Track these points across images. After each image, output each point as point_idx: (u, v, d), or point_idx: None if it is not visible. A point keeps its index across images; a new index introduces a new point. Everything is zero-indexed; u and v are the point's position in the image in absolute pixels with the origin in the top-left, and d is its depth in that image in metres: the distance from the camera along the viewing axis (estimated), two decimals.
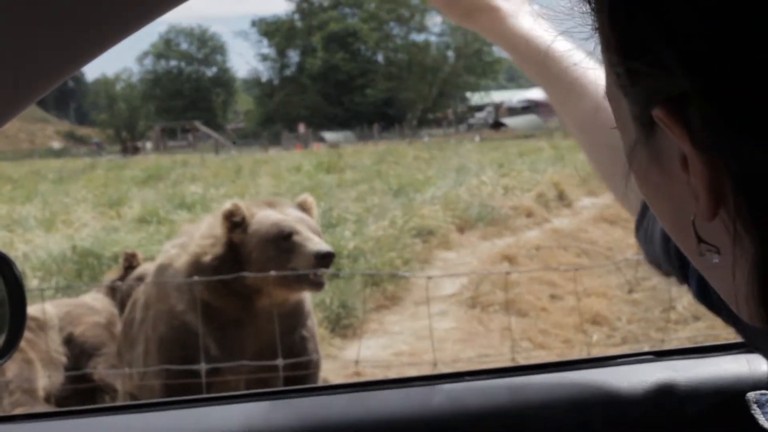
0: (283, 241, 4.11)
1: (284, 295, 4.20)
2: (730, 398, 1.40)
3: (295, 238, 4.11)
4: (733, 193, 0.53)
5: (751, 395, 0.63)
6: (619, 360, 1.56)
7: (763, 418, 0.60)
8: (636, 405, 1.42)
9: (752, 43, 0.49)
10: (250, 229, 4.18)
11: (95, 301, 5.72)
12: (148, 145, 57.18)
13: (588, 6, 0.61)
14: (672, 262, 1.00)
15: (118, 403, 4.30)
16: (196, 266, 4.18)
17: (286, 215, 4.27)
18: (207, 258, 4.18)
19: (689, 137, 0.53)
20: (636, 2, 0.54)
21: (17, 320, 1.32)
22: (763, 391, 0.63)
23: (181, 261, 4.30)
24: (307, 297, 4.52)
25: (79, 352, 5.34)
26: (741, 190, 0.52)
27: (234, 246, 4.17)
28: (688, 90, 0.52)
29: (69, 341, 5.35)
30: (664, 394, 1.44)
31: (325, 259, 4.03)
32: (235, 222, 4.17)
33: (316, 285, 4.14)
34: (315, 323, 4.64)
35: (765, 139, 0.50)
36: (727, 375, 1.46)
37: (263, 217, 4.23)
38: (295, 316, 4.30)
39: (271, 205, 4.43)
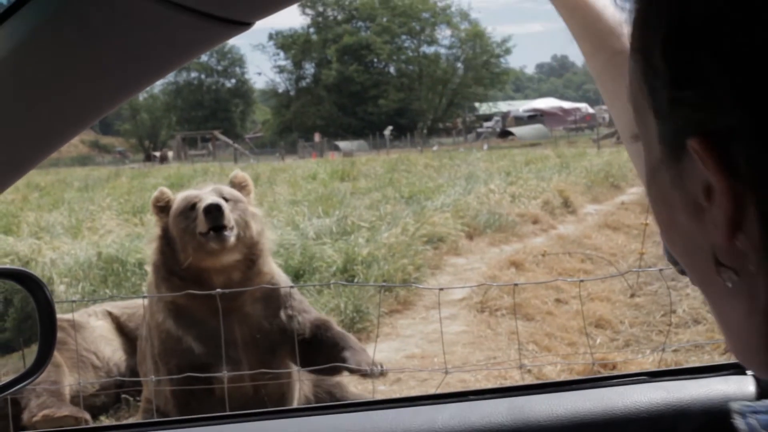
0: (190, 212, 4.04)
1: (210, 261, 4.02)
2: (719, 419, 1.46)
3: (198, 205, 4.01)
4: (760, 229, 0.54)
5: (734, 405, 0.65)
6: (614, 381, 1.61)
7: (743, 425, 0.62)
8: (632, 425, 1.46)
9: None
10: (171, 211, 4.15)
11: None
12: (170, 153, 57.40)
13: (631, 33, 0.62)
14: None
15: (140, 420, 4.25)
16: (154, 268, 4.18)
17: (200, 190, 4.20)
18: (154, 253, 4.15)
19: (721, 170, 0.54)
20: (694, 36, 0.54)
21: (47, 340, 1.36)
22: (747, 403, 0.65)
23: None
24: (280, 278, 4.33)
25: None
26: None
27: (166, 232, 4.15)
28: (735, 125, 0.52)
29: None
30: (658, 415, 1.47)
31: (210, 213, 3.89)
32: (160, 207, 4.17)
33: (218, 240, 3.94)
34: (302, 299, 4.43)
35: None
36: (716, 396, 1.50)
37: (180, 196, 4.18)
38: (273, 300, 4.15)
39: (197, 187, 4.38)
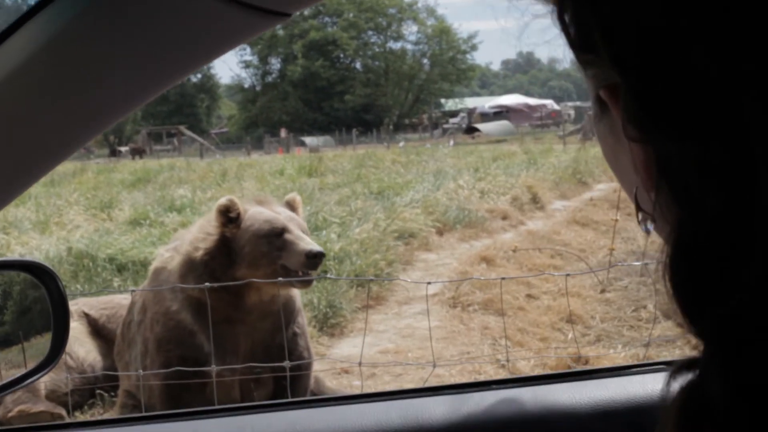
0: (275, 238, 4.13)
1: (273, 291, 4.16)
2: None
3: (287, 236, 4.14)
4: (655, 175, 0.56)
5: None
6: (635, 369, 1.61)
7: None
8: (656, 413, 1.50)
9: (669, 53, 0.53)
10: (243, 225, 4.17)
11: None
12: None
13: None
14: None
15: (119, 416, 4.24)
16: (189, 264, 4.19)
17: (278, 213, 4.29)
18: (199, 253, 4.15)
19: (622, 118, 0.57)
20: (580, 7, 0.61)
21: (60, 331, 1.34)
22: None
23: (175, 262, 4.30)
24: (297, 296, 4.48)
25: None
26: (661, 174, 0.56)
27: (226, 241, 4.17)
28: (618, 82, 0.57)
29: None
30: None
31: (316, 258, 4.08)
32: (230, 217, 4.19)
33: (305, 282, 4.16)
34: (305, 322, 4.60)
35: (674, 134, 0.53)
36: None
37: (256, 213, 4.24)
38: (286, 314, 4.24)
39: (261, 202, 4.44)
